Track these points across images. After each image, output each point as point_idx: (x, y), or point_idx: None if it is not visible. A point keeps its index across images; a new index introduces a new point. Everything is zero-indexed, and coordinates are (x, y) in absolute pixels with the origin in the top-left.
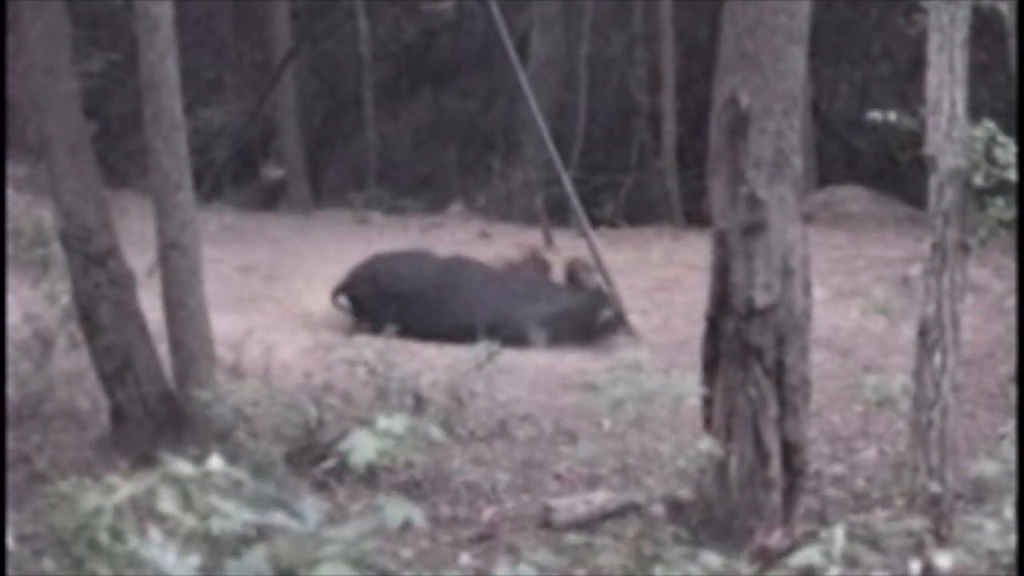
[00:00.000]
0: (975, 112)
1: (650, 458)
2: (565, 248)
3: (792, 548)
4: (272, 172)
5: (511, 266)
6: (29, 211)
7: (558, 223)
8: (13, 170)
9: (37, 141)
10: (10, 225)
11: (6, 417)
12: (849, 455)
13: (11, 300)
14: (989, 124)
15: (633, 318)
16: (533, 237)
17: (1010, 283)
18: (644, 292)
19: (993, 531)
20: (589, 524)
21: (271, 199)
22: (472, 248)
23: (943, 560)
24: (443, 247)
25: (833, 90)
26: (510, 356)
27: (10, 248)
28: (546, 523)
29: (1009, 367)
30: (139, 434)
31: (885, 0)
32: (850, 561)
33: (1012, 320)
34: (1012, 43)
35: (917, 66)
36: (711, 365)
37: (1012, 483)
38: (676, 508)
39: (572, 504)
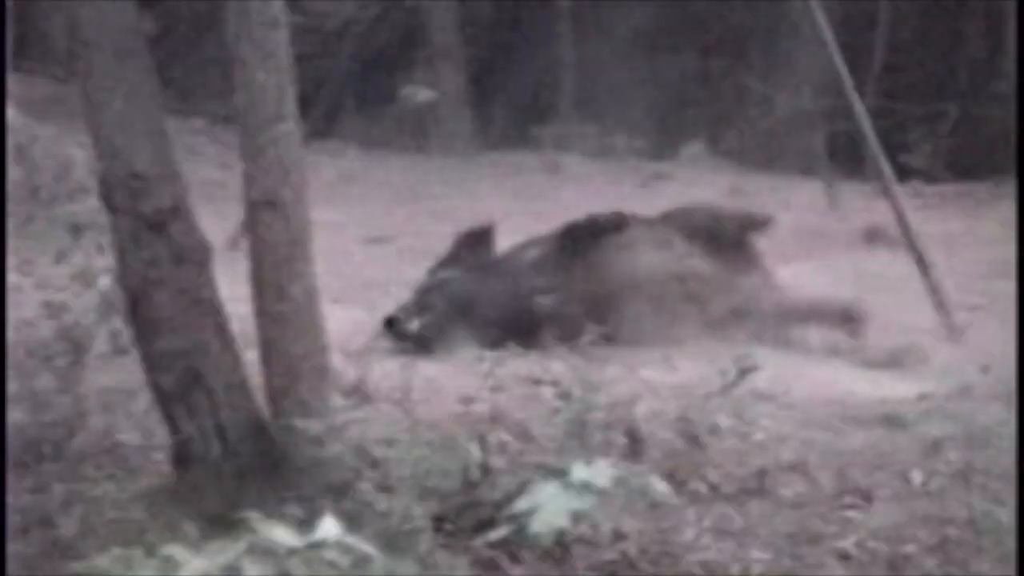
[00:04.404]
0: None
1: (983, 531)
2: (857, 213)
3: None
4: (418, 94)
5: None
6: (52, 149)
7: (847, 175)
8: (28, 89)
9: (67, 45)
10: (26, 169)
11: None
12: None
13: (26, 282)
14: None
15: (961, 317)
16: (807, 197)
17: None
18: (975, 279)
19: None
20: None
21: (415, 133)
22: None
23: None
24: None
25: None
26: (774, 373)
27: (27, 205)
28: None
29: None
30: (214, 484)
31: None
32: None
33: None
34: None
35: None
36: None
37: None
38: None
39: None
